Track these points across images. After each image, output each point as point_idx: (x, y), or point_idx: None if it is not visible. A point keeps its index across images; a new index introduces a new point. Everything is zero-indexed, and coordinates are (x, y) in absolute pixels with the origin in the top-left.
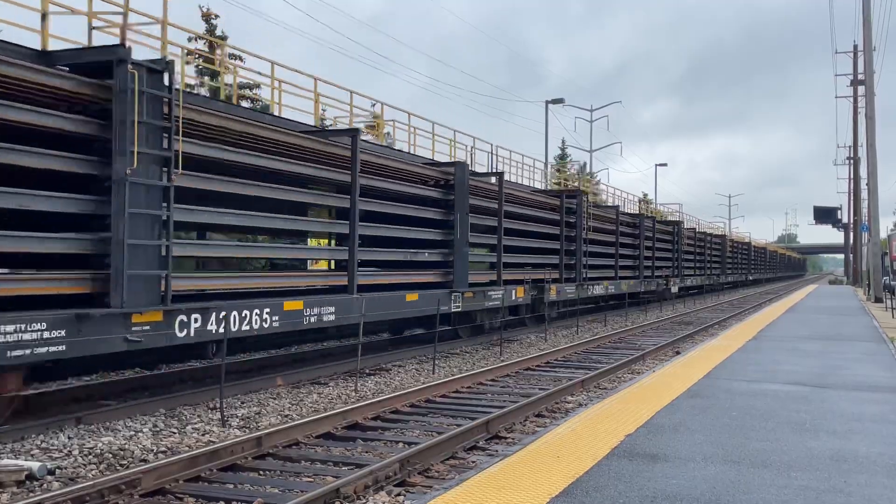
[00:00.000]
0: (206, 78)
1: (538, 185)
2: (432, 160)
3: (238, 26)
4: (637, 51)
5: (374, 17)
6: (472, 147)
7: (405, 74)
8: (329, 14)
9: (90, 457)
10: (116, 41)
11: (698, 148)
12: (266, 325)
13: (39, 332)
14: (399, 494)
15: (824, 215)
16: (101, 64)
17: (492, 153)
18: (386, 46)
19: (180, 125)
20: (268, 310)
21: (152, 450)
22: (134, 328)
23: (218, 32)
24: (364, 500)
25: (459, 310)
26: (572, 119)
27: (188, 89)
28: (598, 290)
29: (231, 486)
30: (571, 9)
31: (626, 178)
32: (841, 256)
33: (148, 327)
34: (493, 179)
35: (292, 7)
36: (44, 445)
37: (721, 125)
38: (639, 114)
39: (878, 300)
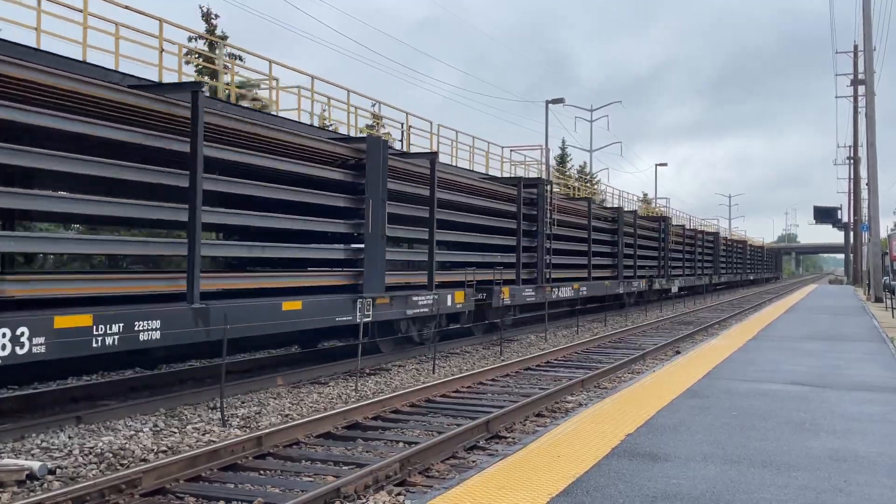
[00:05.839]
0: (206, 77)
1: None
2: (611, 206)
3: (272, 38)
4: (673, 54)
5: (420, 22)
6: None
7: (433, 84)
8: (360, 28)
9: (90, 456)
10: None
11: (714, 149)
12: (568, 296)
13: (531, 293)
14: (399, 494)
15: (824, 215)
16: (534, 183)
17: (627, 199)
18: (418, 58)
19: (554, 209)
20: (568, 287)
21: (153, 449)
22: (545, 292)
23: (218, 32)
24: (364, 500)
25: (622, 292)
26: (588, 120)
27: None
28: (733, 277)
29: (231, 486)
30: (611, 13)
31: (637, 178)
32: (841, 256)
33: (531, 294)
34: (627, 216)
35: (343, 35)
36: (44, 445)
37: (739, 127)
38: (666, 115)
39: (878, 300)
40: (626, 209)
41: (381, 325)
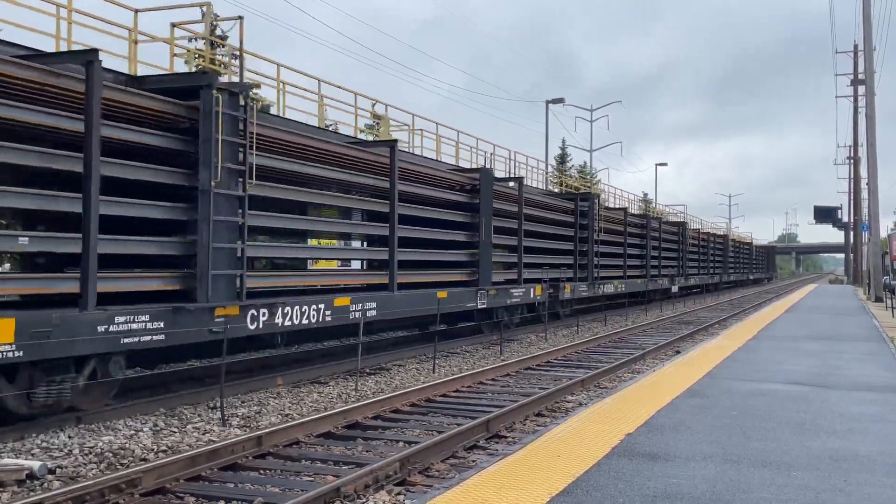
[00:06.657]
0: None
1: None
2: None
3: (277, 41)
4: (675, 55)
5: (422, 23)
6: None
7: (435, 84)
8: (362, 28)
9: (90, 456)
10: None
11: (714, 149)
12: (320, 320)
13: (144, 324)
14: (399, 493)
15: (824, 215)
16: (189, 88)
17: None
18: (420, 58)
19: (252, 143)
20: (321, 305)
21: (153, 449)
22: (217, 320)
23: (217, 33)
24: (364, 500)
25: (485, 306)
26: (589, 120)
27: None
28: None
29: (231, 486)
30: (612, 14)
31: (637, 178)
32: (841, 256)
33: (225, 320)
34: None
35: (341, 35)
36: (44, 444)
37: (740, 127)
38: (668, 116)
39: (878, 300)
40: (497, 175)
41: None
